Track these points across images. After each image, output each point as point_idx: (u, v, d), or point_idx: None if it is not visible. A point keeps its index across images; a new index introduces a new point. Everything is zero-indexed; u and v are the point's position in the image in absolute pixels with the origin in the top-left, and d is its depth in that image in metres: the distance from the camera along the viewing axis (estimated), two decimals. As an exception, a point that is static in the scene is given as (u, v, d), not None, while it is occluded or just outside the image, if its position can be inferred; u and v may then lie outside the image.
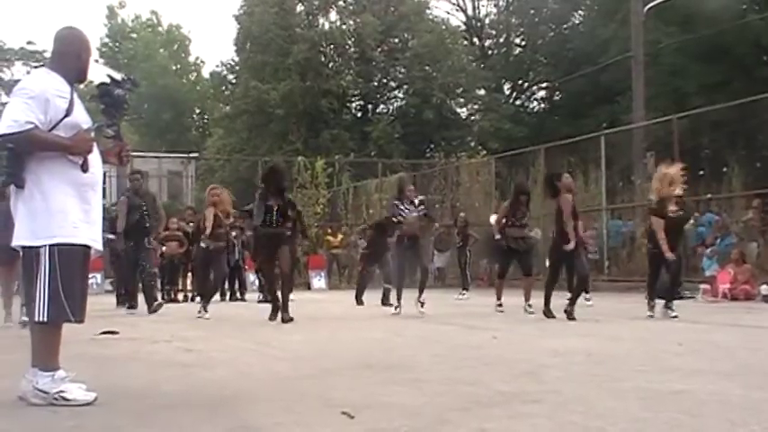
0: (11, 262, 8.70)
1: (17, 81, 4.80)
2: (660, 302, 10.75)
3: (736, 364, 6.00)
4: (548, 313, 10.65)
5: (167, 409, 4.34)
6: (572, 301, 10.54)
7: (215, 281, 12.38)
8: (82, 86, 5.12)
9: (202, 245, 12.08)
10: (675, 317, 10.35)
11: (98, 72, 5.03)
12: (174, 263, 17.13)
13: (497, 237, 11.86)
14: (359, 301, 14.52)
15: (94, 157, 4.56)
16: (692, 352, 6.76)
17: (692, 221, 13.37)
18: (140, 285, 12.77)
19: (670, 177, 10.49)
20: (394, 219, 11.63)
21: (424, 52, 35.96)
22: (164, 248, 16.68)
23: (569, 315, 10.34)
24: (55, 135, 4.39)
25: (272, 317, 10.58)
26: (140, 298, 12.65)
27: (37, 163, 4.38)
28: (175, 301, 16.54)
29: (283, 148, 34.06)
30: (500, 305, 12.02)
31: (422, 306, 11.45)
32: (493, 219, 17.02)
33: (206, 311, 11.42)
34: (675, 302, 10.86)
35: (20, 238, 4.42)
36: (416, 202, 11.68)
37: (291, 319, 10.25)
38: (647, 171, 20.53)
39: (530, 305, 11.47)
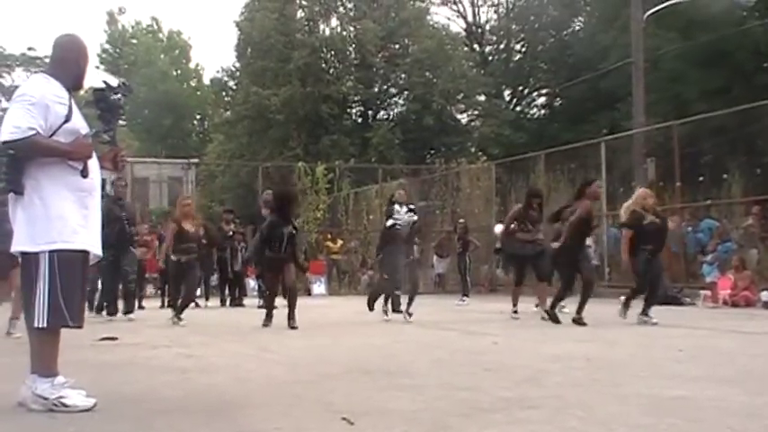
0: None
1: (18, 87, 4.78)
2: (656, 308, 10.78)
3: (737, 370, 5.99)
4: (554, 317, 10.64)
5: (166, 414, 4.33)
6: (580, 308, 10.46)
7: (187, 293, 12.03)
8: (82, 92, 5.13)
9: (173, 258, 11.72)
10: (653, 323, 10.28)
11: (94, 78, 5.04)
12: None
13: (497, 246, 11.76)
14: (371, 306, 13.07)
15: (93, 163, 4.56)
16: (692, 358, 6.76)
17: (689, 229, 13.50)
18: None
19: (642, 196, 10.73)
20: (390, 220, 11.63)
21: (424, 58, 35.96)
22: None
23: (578, 322, 10.26)
24: (56, 141, 4.39)
25: (267, 322, 10.67)
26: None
27: (37, 168, 4.38)
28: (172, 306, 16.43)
29: (284, 153, 34.03)
30: (515, 312, 11.83)
31: (409, 317, 11.37)
32: (498, 229, 17.01)
33: (179, 319, 11.21)
34: (676, 308, 10.85)
35: (19, 244, 4.42)
36: (407, 207, 11.73)
37: (296, 327, 10.29)
38: (647, 177, 20.55)
39: (546, 311, 11.22)
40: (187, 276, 11.72)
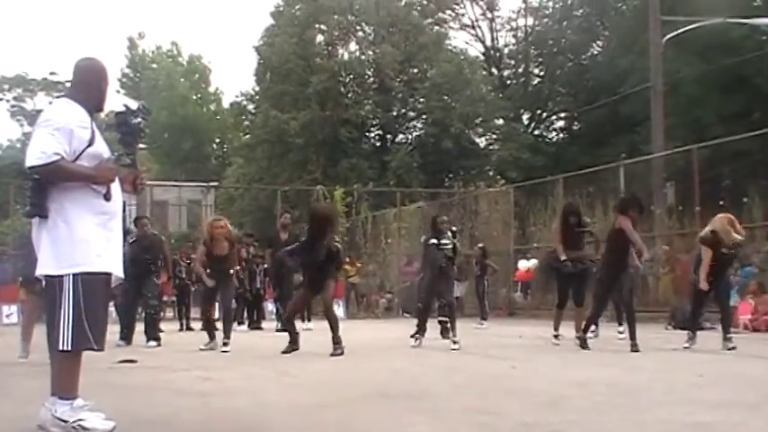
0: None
1: (39, 111, 4.82)
2: (700, 333, 10.66)
3: (758, 395, 5.93)
4: (583, 342, 10.39)
5: (186, 437, 4.33)
6: (632, 335, 10.19)
7: (225, 312, 11.63)
8: (103, 115, 5.17)
9: (206, 281, 11.32)
10: (733, 348, 9.94)
11: (114, 102, 5.04)
12: (186, 290, 17.24)
13: (563, 258, 11.26)
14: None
15: (115, 186, 4.60)
16: (714, 383, 6.70)
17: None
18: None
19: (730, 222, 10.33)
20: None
21: (442, 82, 36.04)
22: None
23: (634, 348, 9.92)
24: (80, 165, 4.44)
25: (291, 348, 10.01)
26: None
27: (60, 192, 4.42)
28: (191, 329, 16.45)
29: (302, 177, 34.16)
30: (556, 336, 11.27)
31: (454, 344, 11.08)
32: (521, 265, 16.85)
33: (225, 345, 10.73)
34: (696, 333, 10.73)
35: (43, 267, 4.45)
36: (450, 234, 11.48)
37: (341, 353, 9.70)
38: (666, 201, 20.46)
39: (577, 336, 10.79)
40: (220, 294, 11.30)
